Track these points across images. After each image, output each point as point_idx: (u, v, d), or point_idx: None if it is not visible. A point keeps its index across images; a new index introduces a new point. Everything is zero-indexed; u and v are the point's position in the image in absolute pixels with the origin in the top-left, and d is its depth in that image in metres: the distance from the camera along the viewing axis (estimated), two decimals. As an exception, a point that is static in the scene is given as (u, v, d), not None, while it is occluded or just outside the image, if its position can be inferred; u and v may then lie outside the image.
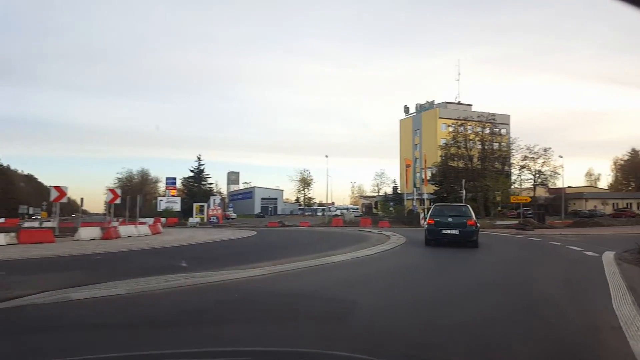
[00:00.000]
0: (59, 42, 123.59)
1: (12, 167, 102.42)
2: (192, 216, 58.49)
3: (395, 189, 77.44)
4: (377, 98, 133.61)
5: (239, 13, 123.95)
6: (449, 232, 14.22)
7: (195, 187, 72.42)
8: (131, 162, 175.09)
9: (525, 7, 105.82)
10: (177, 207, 61.27)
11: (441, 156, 62.66)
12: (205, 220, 55.99)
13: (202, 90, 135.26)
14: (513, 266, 10.88)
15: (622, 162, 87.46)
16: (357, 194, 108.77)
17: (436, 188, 63.14)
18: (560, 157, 57.63)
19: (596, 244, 15.11)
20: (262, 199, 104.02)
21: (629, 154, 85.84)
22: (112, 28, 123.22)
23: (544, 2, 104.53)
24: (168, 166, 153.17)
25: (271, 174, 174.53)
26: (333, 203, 77.09)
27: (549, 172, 61.75)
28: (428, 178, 64.24)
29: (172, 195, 71.14)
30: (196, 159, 73.25)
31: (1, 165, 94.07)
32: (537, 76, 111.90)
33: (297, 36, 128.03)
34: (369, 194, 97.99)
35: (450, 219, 14.44)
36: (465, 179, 58.83)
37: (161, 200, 61.76)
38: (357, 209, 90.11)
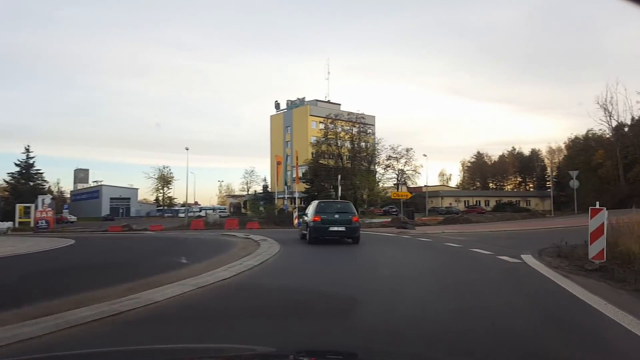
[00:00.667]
0: None
1: None
2: (14, 219, 47.48)
3: (265, 187, 73.81)
4: (248, 95, 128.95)
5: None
6: (335, 229, 14.03)
7: (22, 185, 59.68)
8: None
9: (386, 18, 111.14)
10: (-7, 208, 49.01)
11: (312, 153, 60.82)
12: (32, 224, 45.51)
13: (45, 76, 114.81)
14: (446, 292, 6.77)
15: (469, 164, 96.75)
16: (225, 194, 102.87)
17: (307, 186, 61.08)
18: (425, 155, 59.75)
19: (491, 244, 13.08)
20: (112, 199, 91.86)
21: (474, 157, 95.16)
22: None
23: (402, 16, 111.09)
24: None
25: (130, 172, 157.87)
26: (196, 203, 70.34)
27: (410, 172, 64.10)
28: (300, 176, 62.04)
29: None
30: (24, 150, 60.48)
31: None
32: (397, 83, 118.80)
33: (163, 26, 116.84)
34: (238, 193, 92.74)
35: (337, 216, 14.28)
36: (335, 176, 58.07)
37: (-30, 200, 48.70)
38: (224, 209, 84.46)
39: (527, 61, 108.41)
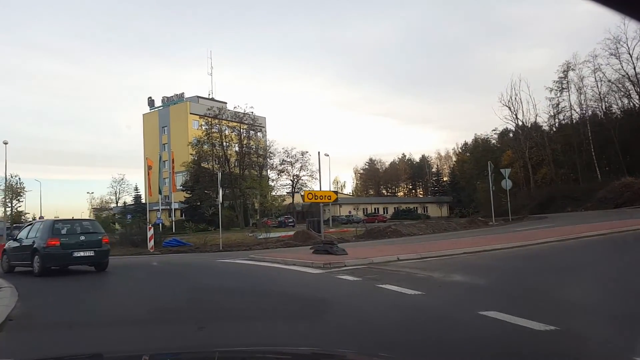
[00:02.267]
0: None
1: None
2: None
3: (138, 198, 62.65)
4: (123, 99, 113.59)
5: None
6: (82, 254, 11.36)
7: None
8: None
9: (268, 28, 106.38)
10: None
11: (192, 155, 51.90)
12: None
13: None
14: None
15: (362, 171, 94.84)
16: (95, 207, 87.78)
17: (187, 195, 52.01)
18: (327, 155, 54.22)
19: (474, 285, 7.08)
20: (-62, 215, 72.28)
21: (367, 164, 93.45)
22: None
23: (284, 30, 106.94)
24: None
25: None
26: (42, 217, 56.62)
27: (307, 177, 58.42)
28: (181, 183, 52.60)
29: None
30: None
31: None
32: (285, 91, 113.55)
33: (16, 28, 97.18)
34: (109, 205, 78.84)
35: (83, 237, 11.56)
36: (222, 183, 49.77)
37: None
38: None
39: (402, 77, 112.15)
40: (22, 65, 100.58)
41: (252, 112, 50.91)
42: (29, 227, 12.89)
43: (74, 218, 17.52)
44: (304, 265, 10.40)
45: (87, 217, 50.17)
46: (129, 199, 68.11)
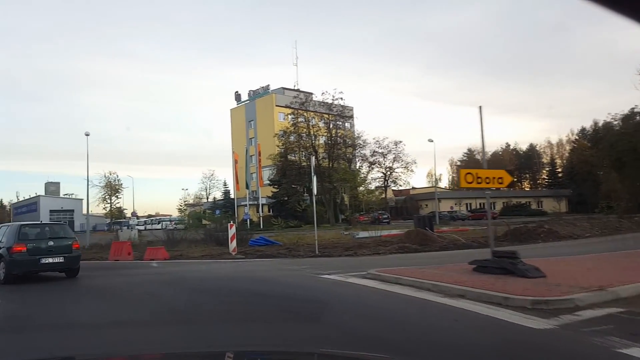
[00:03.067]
0: None
1: None
2: None
3: (226, 193, 61.70)
4: (214, 98, 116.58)
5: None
6: (50, 260, 10.66)
7: None
8: None
9: (351, 21, 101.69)
10: None
11: (279, 147, 49.01)
12: None
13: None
14: None
15: (459, 163, 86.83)
16: (185, 203, 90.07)
17: (275, 190, 49.37)
18: (431, 140, 48.27)
19: None
20: (52, 211, 77.93)
21: (466, 155, 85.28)
22: None
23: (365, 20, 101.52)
24: None
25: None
26: (134, 213, 57.74)
27: (400, 170, 52.91)
28: (267, 178, 50.24)
29: None
30: None
31: None
32: (370, 84, 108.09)
33: (109, 38, 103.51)
34: (197, 201, 80.00)
35: (51, 243, 10.88)
36: (310, 177, 46.29)
37: None
38: (186, 220, 72.22)
39: (493, 64, 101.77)
40: (123, 73, 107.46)
41: (342, 99, 46.48)
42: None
43: (42, 222, 16.63)
44: (488, 301, 5.74)
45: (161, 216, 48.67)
46: (218, 195, 67.81)
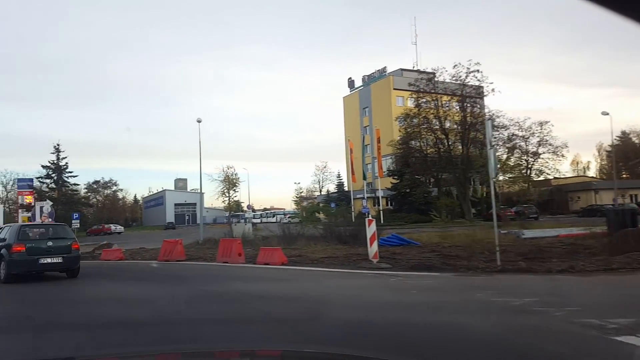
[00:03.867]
0: None
1: None
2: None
3: (340, 185, 58.28)
4: (326, 89, 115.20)
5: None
6: (49, 260, 10.95)
7: (52, 192, 50.07)
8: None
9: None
10: (-5, 219, 38.82)
11: (400, 133, 43.69)
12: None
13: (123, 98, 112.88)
14: None
15: (609, 148, 73.09)
16: (299, 196, 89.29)
17: (395, 181, 44.34)
18: (606, 113, 38.86)
19: None
20: (176, 205, 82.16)
21: (619, 138, 71.41)
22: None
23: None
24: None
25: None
26: (250, 206, 56.70)
27: (548, 156, 44.17)
28: (386, 168, 45.44)
29: (29, 204, 48.79)
30: (53, 150, 50.91)
31: None
32: (496, 58, 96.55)
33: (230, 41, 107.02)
34: (310, 194, 78.16)
35: (50, 243, 11.15)
36: (439, 166, 40.35)
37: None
38: (298, 213, 70.77)
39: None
40: (241, 76, 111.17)
41: (479, 71, 38.66)
42: (1, 230, 12.25)
43: (43, 222, 17.15)
44: None
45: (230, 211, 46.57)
46: (331, 187, 64.81)
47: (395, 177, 44.20)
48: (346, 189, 55.16)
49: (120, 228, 56.49)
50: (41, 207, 35.33)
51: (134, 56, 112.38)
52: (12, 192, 56.26)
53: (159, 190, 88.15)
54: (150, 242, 32.17)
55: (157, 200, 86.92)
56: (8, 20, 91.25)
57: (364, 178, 42.92)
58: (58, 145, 51.05)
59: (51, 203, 36.69)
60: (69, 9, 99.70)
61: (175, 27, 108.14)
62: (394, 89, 56.20)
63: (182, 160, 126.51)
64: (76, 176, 52.88)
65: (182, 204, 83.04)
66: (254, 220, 49.67)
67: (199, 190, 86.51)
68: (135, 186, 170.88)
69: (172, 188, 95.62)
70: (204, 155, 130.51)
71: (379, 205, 40.72)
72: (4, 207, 51.37)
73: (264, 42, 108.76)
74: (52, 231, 11.89)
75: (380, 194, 41.92)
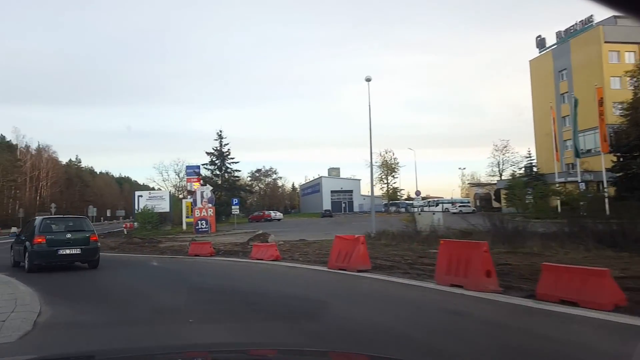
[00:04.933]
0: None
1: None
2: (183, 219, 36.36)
3: (530, 167, 47.29)
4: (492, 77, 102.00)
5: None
6: (67, 251, 11.55)
7: (216, 178, 50.16)
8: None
9: None
10: (164, 205, 38.93)
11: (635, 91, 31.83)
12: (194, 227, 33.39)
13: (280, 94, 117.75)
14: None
15: None
16: (469, 182, 79.09)
17: (615, 160, 32.58)
18: None
19: None
20: (332, 192, 79.33)
21: None
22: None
23: None
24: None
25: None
26: (419, 192, 49.14)
27: None
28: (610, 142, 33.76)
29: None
30: (217, 136, 50.92)
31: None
32: None
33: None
34: (486, 181, 67.44)
35: (69, 235, 11.81)
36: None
37: (140, 196, 39.74)
38: (467, 202, 61.63)
39: None
40: (397, 61, 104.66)
41: None
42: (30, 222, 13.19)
43: (65, 215, 18.74)
44: None
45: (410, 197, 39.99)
46: (514, 171, 53.76)
47: (621, 153, 32.44)
48: (538, 170, 44.39)
49: (279, 215, 54.81)
50: (201, 193, 33.65)
51: (289, 57, 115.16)
52: (184, 181, 58.96)
53: (315, 178, 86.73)
54: (309, 232, 27.80)
55: (313, 187, 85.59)
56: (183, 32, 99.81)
57: (577, 155, 32.43)
58: (220, 132, 51.14)
59: (211, 188, 34.97)
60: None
61: (330, 21, 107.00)
62: (606, 42, 43.03)
63: (335, 149, 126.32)
64: (238, 162, 52.44)
65: (338, 191, 79.98)
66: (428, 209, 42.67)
67: (353, 177, 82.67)
68: (291, 176, 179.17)
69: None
70: (359, 143, 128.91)
71: (603, 190, 29.87)
72: (177, 193, 53.47)
73: (417, 24, 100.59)
74: (71, 224, 12.46)
75: (602, 175, 30.95)
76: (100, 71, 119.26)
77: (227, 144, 51.37)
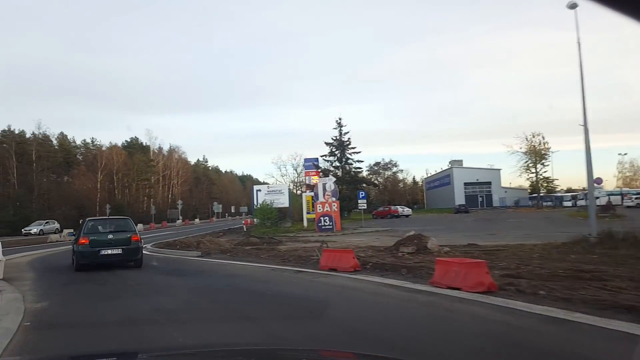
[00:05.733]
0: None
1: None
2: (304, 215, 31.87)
3: None
4: None
5: None
6: (109, 252, 11.80)
7: (336, 170, 45.04)
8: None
9: None
10: (282, 199, 34.68)
11: None
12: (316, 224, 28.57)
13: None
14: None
15: None
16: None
17: None
18: None
19: None
20: (466, 184, 69.72)
21: None
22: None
23: None
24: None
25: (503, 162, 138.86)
26: (600, 181, 38.13)
27: None
28: None
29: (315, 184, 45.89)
30: (335, 125, 45.68)
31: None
32: None
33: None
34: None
35: (110, 236, 12.10)
36: None
37: (258, 190, 35.93)
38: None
39: None
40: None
41: None
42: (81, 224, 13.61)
43: (109, 217, 19.79)
44: None
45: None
46: None
47: None
48: None
49: (407, 210, 47.93)
50: (324, 185, 28.39)
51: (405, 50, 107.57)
52: (302, 175, 55.15)
53: (444, 169, 77.63)
54: (460, 232, 20.87)
55: (441, 179, 76.59)
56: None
57: None
58: (340, 119, 45.73)
59: (334, 179, 29.52)
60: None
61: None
62: None
63: (456, 142, 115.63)
64: (359, 152, 46.59)
65: (473, 183, 70.04)
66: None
67: (491, 166, 71.85)
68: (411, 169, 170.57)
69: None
70: (481, 135, 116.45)
71: None
72: (294, 189, 49.69)
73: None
74: (113, 225, 12.91)
75: None
76: (219, 79, 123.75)
77: (347, 132, 45.93)
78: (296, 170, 55.92)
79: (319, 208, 27.89)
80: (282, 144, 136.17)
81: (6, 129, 58.28)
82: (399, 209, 46.18)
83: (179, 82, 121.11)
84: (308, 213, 32.02)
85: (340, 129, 45.46)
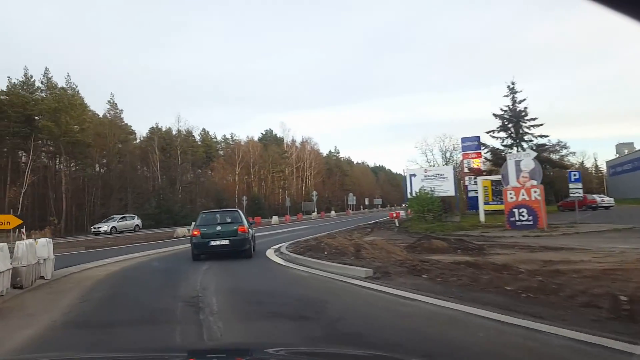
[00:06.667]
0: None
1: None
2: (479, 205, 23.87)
3: None
4: None
5: None
6: (217, 243, 12.33)
7: (509, 149, 35.41)
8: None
9: None
10: (446, 186, 26.74)
11: None
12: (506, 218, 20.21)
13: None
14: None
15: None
16: None
17: None
18: None
19: None
20: (672, 167, 53.32)
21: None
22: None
23: None
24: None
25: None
26: None
27: None
28: None
29: (477, 168, 37.38)
30: (507, 91, 35.90)
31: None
32: None
33: None
34: None
35: (219, 228, 12.57)
36: None
37: (412, 175, 28.36)
38: None
39: None
40: None
41: None
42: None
43: (220, 209, 20.21)
44: None
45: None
46: None
47: None
48: None
49: (608, 200, 36.11)
50: (516, 162, 19.80)
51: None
52: (453, 160, 46.18)
53: (637, 150, 61.19)
54: None
55: (634, 162, 60.31)
56: None
57: None
58: (512, 84, 35.78)
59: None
60: None
61: None
62: None
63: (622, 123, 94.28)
64: (541, 124, 36.20)
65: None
66: None
67: None
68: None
69: (613, 155, 67.32)
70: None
71: None
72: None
73: None
74: (223, 217, 13.37)
75: None
76: (351, 72, 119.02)
77: (524, 99, 35.87)
78: (445, 154, 47.28)
79: (509, 196, 19.49)
80: (416, 134, 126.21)
81: (154, 126, 60.00)
82: (597, 198, 34.82)
83: (311, 78, 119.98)
84: (486, 203, 23.72)
85: (514, 97, 35.64)
